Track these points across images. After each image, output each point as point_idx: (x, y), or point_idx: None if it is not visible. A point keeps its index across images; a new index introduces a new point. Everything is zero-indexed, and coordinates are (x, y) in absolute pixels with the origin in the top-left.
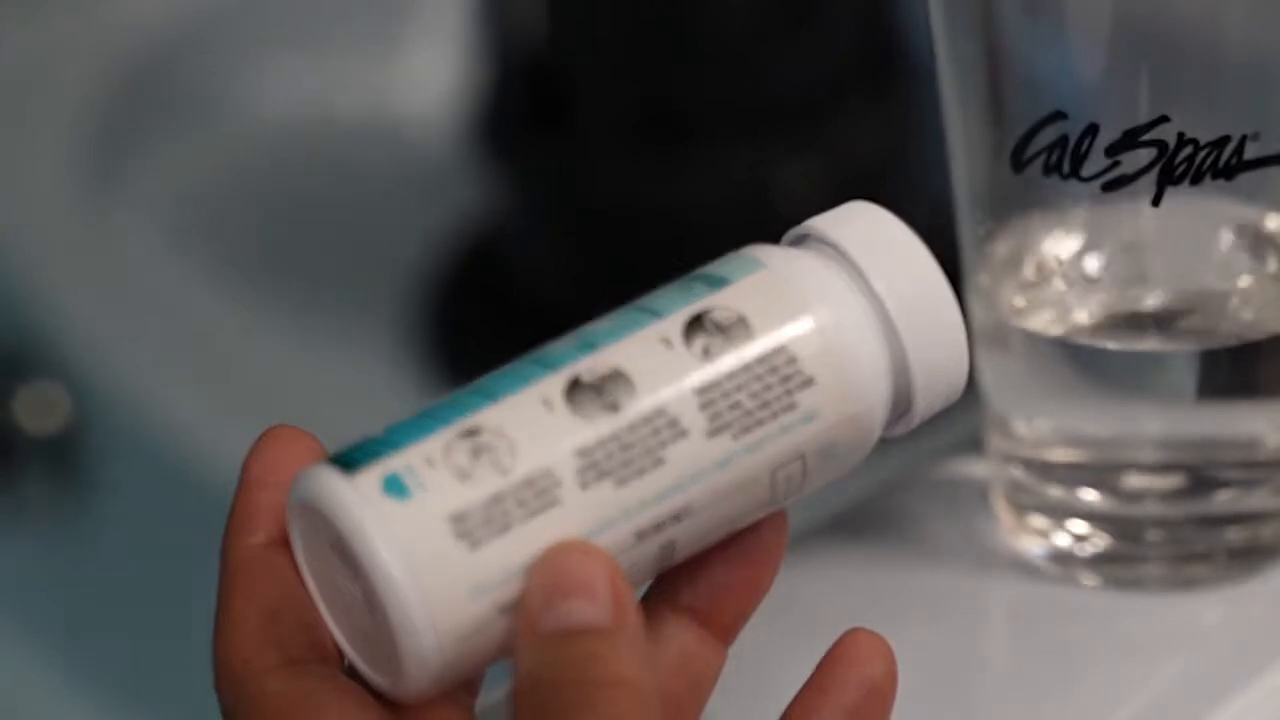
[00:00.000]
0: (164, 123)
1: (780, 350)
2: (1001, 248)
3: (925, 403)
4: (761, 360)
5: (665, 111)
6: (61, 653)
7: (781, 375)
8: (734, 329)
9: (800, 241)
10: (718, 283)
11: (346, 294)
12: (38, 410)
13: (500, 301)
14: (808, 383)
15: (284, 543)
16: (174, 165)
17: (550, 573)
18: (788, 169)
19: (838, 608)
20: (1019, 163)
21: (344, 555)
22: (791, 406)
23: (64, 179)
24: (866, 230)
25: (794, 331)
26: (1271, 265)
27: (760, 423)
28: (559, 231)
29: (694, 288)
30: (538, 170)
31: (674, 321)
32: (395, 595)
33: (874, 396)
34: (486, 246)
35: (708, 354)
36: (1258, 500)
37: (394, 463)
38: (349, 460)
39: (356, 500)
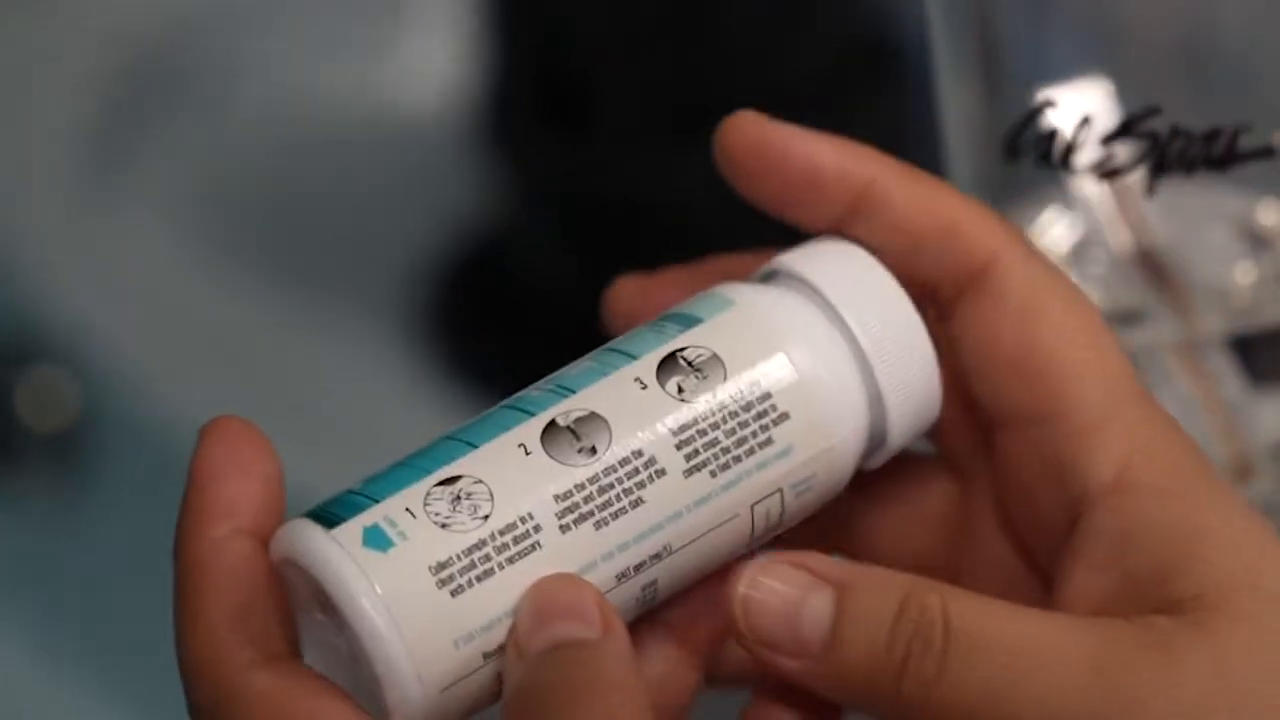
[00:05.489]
0: (167, 116)
1: (755, 386)
2: None
3: (900, 433)
4: (736, 397)
5: (670, 106)
6: (62, 646)
7: (757, 411)
8: (707, 367)
9: (771, 278)
10: (689, 322)
11: (351, 288)
12: (41, 405)
13: (504, 297)
14: (783, 418)
15: (247, 534)
16: (178, 160)
17: (538, 601)
18: None
19: None
20: (1012, 153)
21: (327, 609)
22: (768, 442)
23: (66, 173)
24: (835, 264)
25: (768, 367)
26: (1264, 257)
27: (737, 459)
28: (563, 226)
29: (666, 328)
30: (542, 165)
31: (648, 362)
32: (380, 648)
33: (849, 429)
34: (491, 241)
35: (682, 393)
36: (1257, 490)
37: (374, 514)
38: (329, 514)
39: (337, 553)
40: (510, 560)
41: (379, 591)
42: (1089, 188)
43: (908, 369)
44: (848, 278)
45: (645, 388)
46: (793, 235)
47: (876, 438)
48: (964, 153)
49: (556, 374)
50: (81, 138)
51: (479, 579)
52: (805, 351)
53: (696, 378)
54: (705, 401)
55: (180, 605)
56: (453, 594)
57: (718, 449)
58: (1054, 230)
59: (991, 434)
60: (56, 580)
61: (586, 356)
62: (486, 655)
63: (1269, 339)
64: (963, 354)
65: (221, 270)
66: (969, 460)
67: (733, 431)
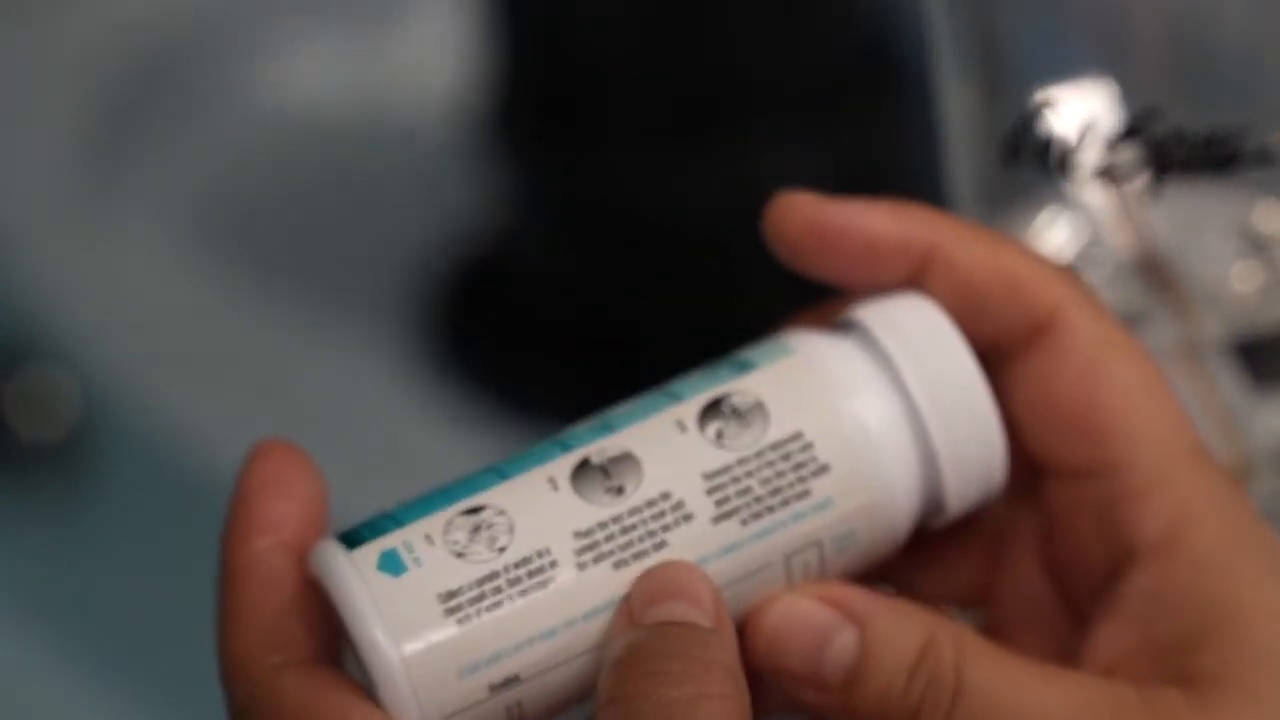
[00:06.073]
0: (167, 121)
1: (795, 437)
2: None
3: (958, 498)
4: (775, 446)
5: (672, 109)
6: (66, 655)
7: (795, 462)
8: (750, 414)
9: (842, 327)
10: (744, 367)
11: (353, 293)
12: (40, 414)
13: (507, 300)
14: (822, 470)
15: (287, 548)
16: (177, 164)
17: (655, 579)
18: (796, 166)
19: None
20: (1012, 155)
21: (342, 628)
22: (805, 494)
23: (66, 178)
24: (904, 320)
25: (811, 418)
26: (1267, 259)
27: (770, 509)
28: (565, 229)
29: (719, 372)
30: (545, 168)
31: (692, 405)
32: (381, 670)
33: (896, 487)
34: (493, 244)
35: (720, 438)
36: (1257, 493)
37: (395, 538)
38: (356, 535)
39: (350, 575)
40: (522, 594)
41: (384, 615)
42: (1089, 190)
43: (967, 434)
44: (914, 335)
45: (685, 431)
46: None
47: (933, 498)
48: (964, 155)
49: (605, 411)
50: (79, 139)
51: (488, 610)
52: (855, 406)
53: (738, 424)
54: (742, 449)
55: (221, 611)
56: (459, 623)
57: (750, 497)
58: (1053, 233)
59: (1041, 479)
60: (60, 582)
61: (637, 396)
62: (493, 687)
63: (1270, 342)
64: (1018, 404)
65: (220, 272)
66: (1014, 496)
67: (768, 480)
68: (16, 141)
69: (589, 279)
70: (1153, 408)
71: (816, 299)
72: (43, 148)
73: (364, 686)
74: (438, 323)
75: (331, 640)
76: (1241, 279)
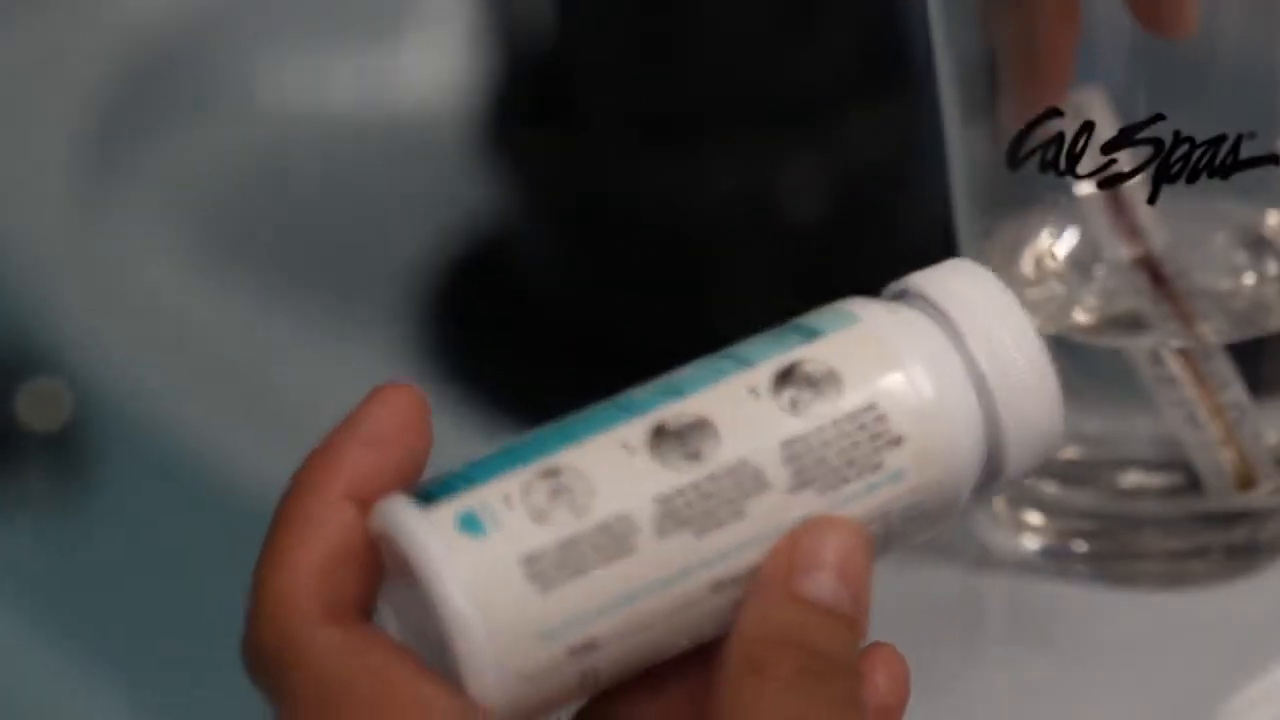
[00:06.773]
0: (166, 120)
1: (870, 407)
2: (999, 245)
3: (1017, 464)
4: (850, 416)
5: (670, 110)
6: (63, 647)
7: (870, 433)
8: (824, 382)
9: (899, 297)
10: (811, 334)
11: (350, 292)
12: (39, 407)
13: (505, 299)
14: (896, 441)
15: (358, 502)
16: (176, 163)
17: (825, 538)
18: (792, 168)
19: None
20: (1015, 160)
21: (415, 588)
22: (878, 465)
23: (65, 176)
24: (964, 288)
25: (885, 388)
26: (1269, 263)
27: (846, 480)
28: (563, 229)
29: (786, 338)
30: (543, 168)
31: (763, 371)
32: (462, 633)
33: (964, 457)
34: (491, 244)
35: (795, 406)
36: (1255, 498)
37: (471, 499)
38: (427, 494)
39: (430, 534)
40: (604, 560)
41: (466, 577)
42: (1092, 194)
43: (1030, 399)
44: (975, 303)
45: (758, 398)
46: (795, 239)
47: (993, 466)
48: (968, 159)
49: (667, 375)
50: (81, 143)
51: (570, 576)
52: (925, 375)
53: (812, 392)
54: (818, 417)
55: (272, 547)
56: (542, 587)
57: (826, 467)
58: (1056, 238)
59: None
60: (56, 578)
61: (700, 359)
62: (572, 652)
63: (1271, 345)
64: None
65: (220, 270)
66: None
67: (844, 451)
68: (17, 142)
69: (589, 280)
70: None
71: (816, 299)
72: (43, 148)
73: (407, 651)
74: (437, 322)
75: (372, 604)
76: (1243, 282)
